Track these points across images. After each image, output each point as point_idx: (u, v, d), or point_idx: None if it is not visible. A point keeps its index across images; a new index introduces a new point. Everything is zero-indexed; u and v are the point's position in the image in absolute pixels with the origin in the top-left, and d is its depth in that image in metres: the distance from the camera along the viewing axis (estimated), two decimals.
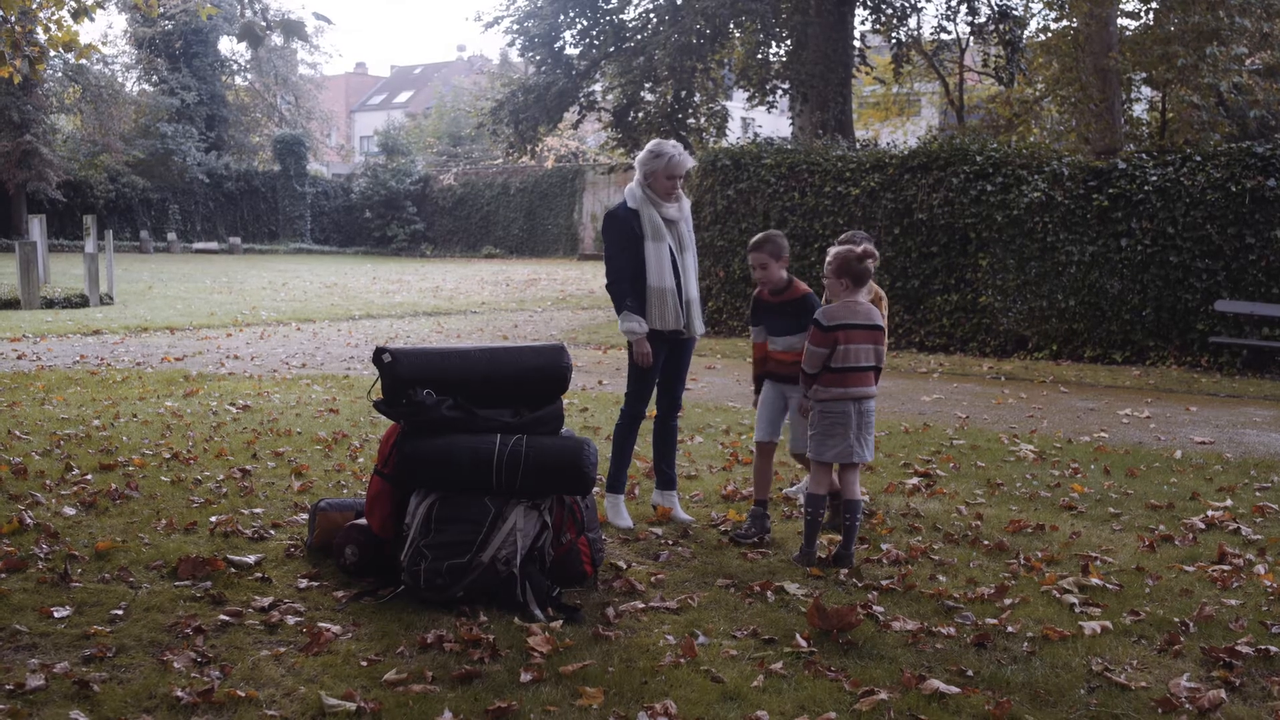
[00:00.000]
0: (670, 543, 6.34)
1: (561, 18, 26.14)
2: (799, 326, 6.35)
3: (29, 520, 6.38)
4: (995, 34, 26.98)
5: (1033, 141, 19.93)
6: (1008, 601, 5.35)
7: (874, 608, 5.21)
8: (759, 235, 6.59)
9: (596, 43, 26.18)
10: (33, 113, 42.99)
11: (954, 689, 4.29)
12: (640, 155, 6.73)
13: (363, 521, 5.67)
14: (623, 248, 6.69)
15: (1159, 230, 14.82)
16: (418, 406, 5.34)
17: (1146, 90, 24.64)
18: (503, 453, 5.25)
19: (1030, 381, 13.70)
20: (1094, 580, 5.66)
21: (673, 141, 6.74)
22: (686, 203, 6.86)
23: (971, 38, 28.07)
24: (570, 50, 26.75)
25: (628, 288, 6.64)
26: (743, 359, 15.71)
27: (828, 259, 6.15)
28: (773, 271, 6.50)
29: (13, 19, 11.01)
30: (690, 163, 6.79)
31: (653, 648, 4.73)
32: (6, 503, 6.85)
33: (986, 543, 6.40)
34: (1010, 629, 4.98)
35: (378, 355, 5.51)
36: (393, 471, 5.50)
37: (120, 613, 4.99)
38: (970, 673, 4.49)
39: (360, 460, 8.35)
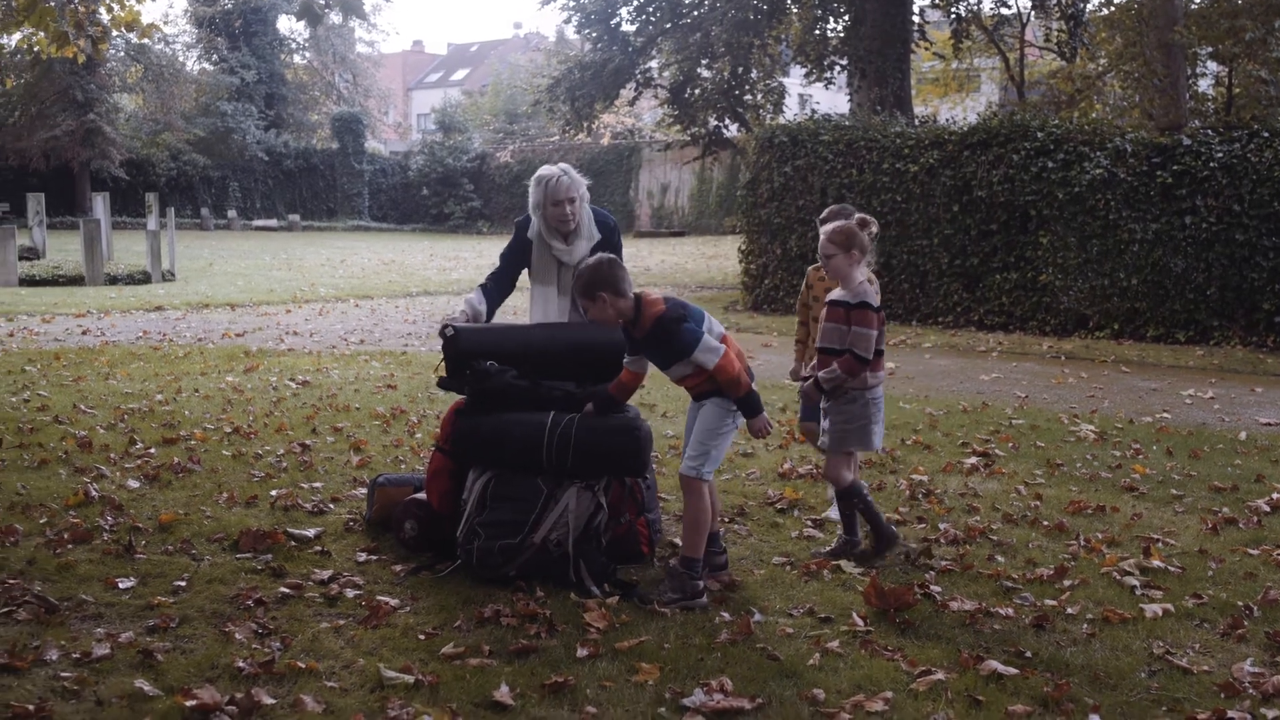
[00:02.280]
0: (726, 520, 6.33)
1: None
2: (675, 352, 5.09)
3: (94, 493, 6.48)
4: (1057, 8, 26.67)
5: (1095, 117, 19.66)
6: (1067, 583, 5.30)
7: (932, 587, 5.19)
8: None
9: (653, 19, 26.13)
10: (96, 92, 43.50)
11: (1012, 670, 4.26)
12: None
13: (422, 496, 5.71)
14: (510, 253, 6.11)
15: (1224, 208, 14.59)
16: (481, 374, 5.34)
17: (1212, 65, 24.24)
18: (553, 434, 5.24)
19: (1091, 361, 13.56)
20: (1155, 562, 5.60)
21: (559, 166, 5.96)
22: (585, 243, 5.93)
23: (1033, 12, 27.75)
24: (627, 27, 26.72)
25: (497, 287, 6.04)
26: None
27: (828, 236, 5.60)
28: (598, 310, 5.10)
29: (76, 0, 11.13)
30: (577, 184, 5.89)
31: (709, 625, 4.73)
32: (72, 475, 6.96)
33: (1046, 523, 6.35)
34: (1070, 611, 4.94)
35: (442, 330, 5.54)
36: (452, 447, 5.53)
37: (183, 584, 5.06)
38: (1029, 654, 4.46)
39: (418, 436, 8.40)
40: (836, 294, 5.72)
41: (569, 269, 5.87)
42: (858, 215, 5.76)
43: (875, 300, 5.63)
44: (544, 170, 5.94)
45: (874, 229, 5.70)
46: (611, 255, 5.30)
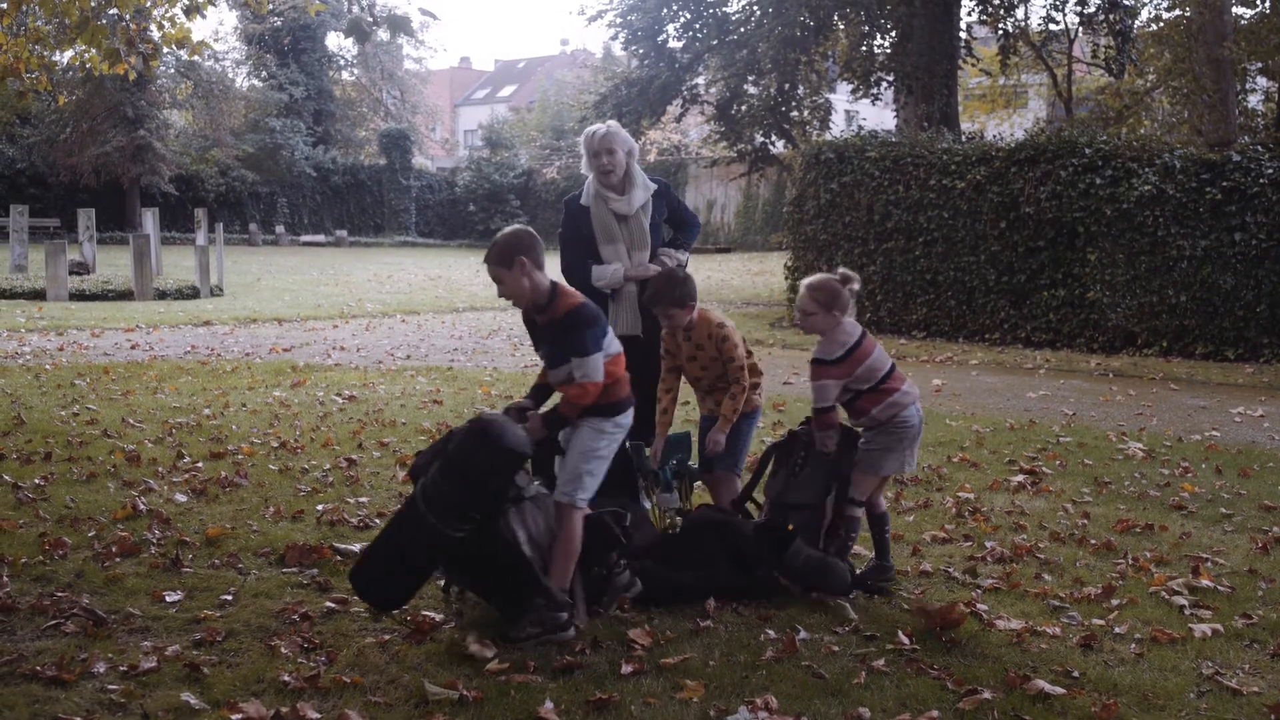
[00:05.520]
0: None
1: (665, 11, 26.19)
2: (563, 355, 4.81)
3: (142, 506, 6.54)
4: (1105, 24, 26.52)
5: (1143, 134, 19.55)
6: (1115, 602, 5.25)
7: (978, 606, 5.15)
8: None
9: (699, 36, 26.19)
10: (146, 108, 43.94)
11: (1059, 690, 4.23)
12: None
13: None
14: (573, 238, 6.36)
15: (1274, 224, 14.43)
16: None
17: (1262, 81, 24.05)
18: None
19: (1139, 378, 13.44)
20: (1204, 582, 5.53)
21: (607, 123, 6.32)
22: (641, 192, 6.28)
23: (1081, 28, 27.62)
24: (673, 43, 26.78)
25: (585, 266, 6.27)
26: None
27: (809, 293, 5.37)
28: (510, 284, 4.82)
29: (128, 17, 11.26)
30: (617, 137, 6.16)
31: (753, 643, 4.71)
32: (120, 489, 7.02)
33: (1094, 542, 6.30)
34: (1118, 630, 4.90)
35: None
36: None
37: (229, 598, 5.09)
38: (1076, 674, 4.43)
39: None
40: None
41: (627, 222, 6.25)
42: (840, 270, 5.49)
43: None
44: (591, 126, 6.31)
45: (855, 285, 5.44)
46: (530, 229, 5.04)
